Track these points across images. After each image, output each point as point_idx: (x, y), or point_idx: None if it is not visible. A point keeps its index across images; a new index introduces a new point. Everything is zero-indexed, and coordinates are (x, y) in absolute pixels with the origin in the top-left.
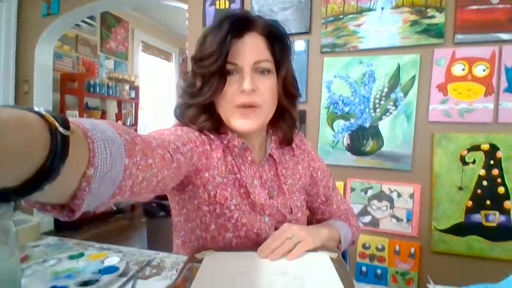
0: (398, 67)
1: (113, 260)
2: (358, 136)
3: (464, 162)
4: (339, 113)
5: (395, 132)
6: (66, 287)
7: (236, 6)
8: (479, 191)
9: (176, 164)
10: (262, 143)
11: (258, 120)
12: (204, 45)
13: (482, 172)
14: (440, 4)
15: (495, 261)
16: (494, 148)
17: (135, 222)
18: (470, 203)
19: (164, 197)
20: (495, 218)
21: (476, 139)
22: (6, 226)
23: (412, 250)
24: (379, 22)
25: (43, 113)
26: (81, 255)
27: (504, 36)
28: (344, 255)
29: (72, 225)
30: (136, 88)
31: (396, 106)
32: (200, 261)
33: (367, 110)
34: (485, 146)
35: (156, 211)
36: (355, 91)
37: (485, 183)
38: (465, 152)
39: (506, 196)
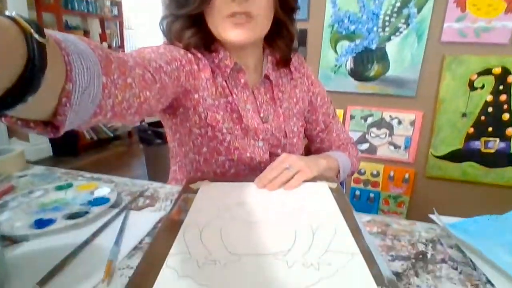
0: None
1: (103, 190)
2: (363, 59)
3: (472, 87)
4: (344, 32)
5: (403, 55)
6: (53, 220)
7: None
8: (482, 117)
9: (160, 85)
10: (258, 63)
11: (252, 31)
12: None
13: (489, 97)
14: None
15: (488, 186)
16: (506, 72)
17: (133, 148)
18: (471, 130)
19: (160, 125)
20: (494, 144)
21: (489, 62)
22: None
23: (407, 176)
24: None
25: (16, 18)
26: (69, 185)
27: None
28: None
29: (70, 152)
30: (118, 4)
31: (408, 24)
32: (195, 191)
33: (375, 29)
34: (497, 70)
35: (152, 138)
36: (364, 6)
37: (490, 109)
38: (475, 76)
39: (509, 123)
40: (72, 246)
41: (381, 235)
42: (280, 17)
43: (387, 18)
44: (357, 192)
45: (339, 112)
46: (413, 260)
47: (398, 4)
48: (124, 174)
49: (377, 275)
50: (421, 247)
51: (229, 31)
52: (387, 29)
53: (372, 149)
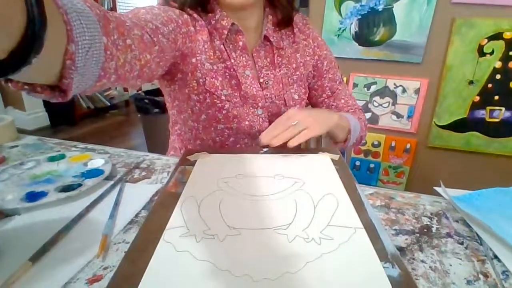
0: None
1: (97, 162)
2: (369, 22)
3: (481, 53)
4: None
5: (411, 17)
6: (45, 192)
7: None
8: (489, 85)
9: (159, 47)
10: (258, 25)
11: None
12: None
13: (498, 64)
14: None
15: (490, 156)
16: None
17: (131, 117)
18: (477, 98)
19: (157, 93)
20: (500, 113)
21: (500, 26)
22: None
23: (408, 146)
24: None
25: None
26: (62, 156)
27: None
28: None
29: (68, 121)
30: None
31: None
32: (193, 163)
33: None
34: (508, 34)
35: (149, 107)
36: None
37: (498, 76)
38: (485, 41)
39: None
40: (65, 220)
41: (385, 208)
42: None
43: None
44: (357, 163)
45: None
46: (418, 235)
47: None
48: (123, 144)
49: (380, 250)
50: (425, 221)
51: None
52: None
53: (374, 119)
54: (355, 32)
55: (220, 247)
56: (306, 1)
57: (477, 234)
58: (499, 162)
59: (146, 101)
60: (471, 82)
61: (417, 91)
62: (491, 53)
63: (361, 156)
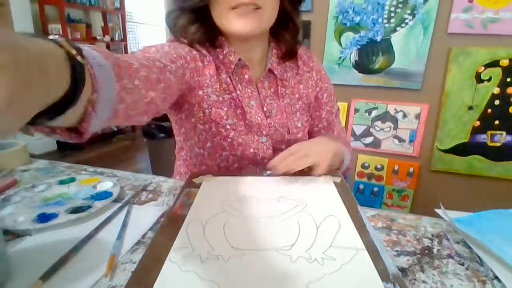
0: None
1: (106, 185)
2: (368, 51)
3: (479, 79)
4: (348, 24)
5: (408, 47)
6: (56, 214)
7: None
8: (489, 110)
9: (165, 84)
10: (263, 57)
11: (258, 22)
12: None
13: (496, 90)
14: None
15: (493, 180)
16: None
17: (137, 142)
18: (477, 123)
19: (163, 119)
20: (501, 138)
21: (496, 54)
22: None
23: (411, 170)
24: None
25: (60, 41)
26: (72, 179)
27: None
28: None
29: (75, 145)
30: None
31: (414, 15)
32: (198, 186)
33: (380, 20)
34: (505, 62)
35: (155, 132)
36: None
37: (497, 102)
38: (482, 68)
39: None
40: (75, 240)
41: (386, 229)
42: (286, 8)
43: (392, 8)
44: (361, 186)
45: (343, 106)
46: (419, 256)
47: None
48: (129, 167)
49: (382, 271)
50: (426, 242)
51: (234, 22)
52: (392, 20)
53: (376, 143)
54: (355, 61)
55: (225, 267)
56: (308, 32)
57: (478, 255)
58: (502, 185)
59: (153, 126)
60: (470, 108)
61: (417, 116)
62: (489, 79)
63: (365, 179)
